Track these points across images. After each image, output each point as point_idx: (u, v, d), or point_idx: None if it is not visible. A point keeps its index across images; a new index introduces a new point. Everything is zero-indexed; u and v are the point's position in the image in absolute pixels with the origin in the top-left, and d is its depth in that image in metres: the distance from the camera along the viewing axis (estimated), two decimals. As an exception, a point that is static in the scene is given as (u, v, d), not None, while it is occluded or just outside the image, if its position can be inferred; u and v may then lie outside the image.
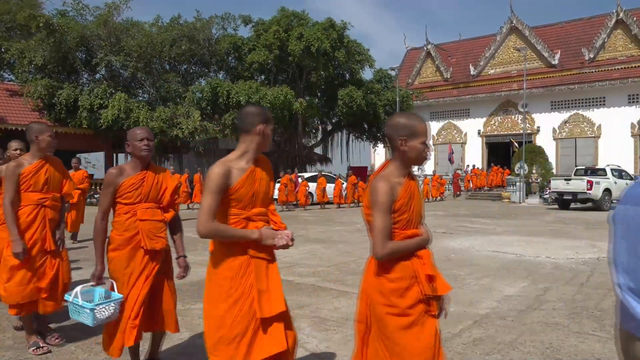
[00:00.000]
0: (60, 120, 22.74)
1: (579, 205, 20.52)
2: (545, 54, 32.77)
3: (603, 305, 5.08)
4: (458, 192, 28.48)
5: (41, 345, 3.69)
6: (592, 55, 31.37)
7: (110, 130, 22.51)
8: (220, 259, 2.38)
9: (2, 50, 23.49)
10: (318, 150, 32.46)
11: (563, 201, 20.25)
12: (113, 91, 22.67)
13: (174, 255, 3.26)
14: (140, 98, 25.23)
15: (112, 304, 2.87)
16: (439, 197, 26.73)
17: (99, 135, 23.12)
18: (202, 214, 2.25)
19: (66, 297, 2.97)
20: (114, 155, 27.30)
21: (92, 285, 3.02)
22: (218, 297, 2.34)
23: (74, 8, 24.45)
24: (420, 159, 2.18)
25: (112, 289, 2.98)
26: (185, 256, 3.23)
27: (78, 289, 2.91)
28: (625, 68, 29.97)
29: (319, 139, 31.98)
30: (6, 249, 3.65)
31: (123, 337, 2.96)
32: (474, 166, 31.96)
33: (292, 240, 2.45)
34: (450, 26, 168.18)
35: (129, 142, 3.06)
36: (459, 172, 31.31)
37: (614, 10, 30.66)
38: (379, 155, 38.91)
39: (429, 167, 34.53)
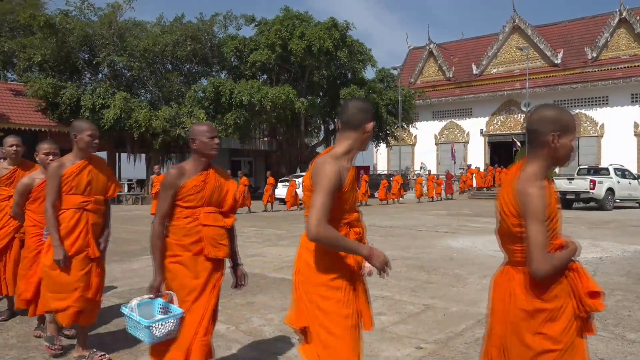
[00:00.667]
0: (63, 119, 22.79)
1: (581, 204, 20.48)
2: (548, 53, 32.71)
3: (606, 305, 5.07)
4: (451, 193, 27.67)
5: (56, 343, 3.61)
6: (595, 55, 31.31)
7: (113, 130, 22.55)
8: (326, 274, 2.10)
9: (5, 49, 23.53)
10: (320, 149, 32.46)
11: (566, 201, 20.20)
12: (115, 91, 22.71)
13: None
14: (143, 98, 25.27)
15: (172, 320, 2.59)
16: (437, 197, 26.41)
17: (101, 135, 23.13)
18: (316, 214, 1.97)
19: (123, 309, 2.66)
20: (117, 154, 27.34)
21: (150, 298, 2.70)
22: (336, 323, 2.07)
23: (77, 7, 24.50)
24: (568, 159, 1.98)
25: (172, 302, 2.68)
26: (241, 264, 3.04)
27: (134, 301, 2.63)
28: (628, 67, 29.89)
29: (321, 138, 31.98)
30: (44, 256, 3.44)
31: (186, 356, 2.61)
32: (469, 166, 31.94)
33: (387, 265, 2.16)
34: (452, 25, 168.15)
35: (196, 139, 2.76)
36: (461, 171, 31.27)
37: (617, 9, 30.59)
38: (381, 155, 38.90)
39: (432, 167, 34.50)
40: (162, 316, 2.62)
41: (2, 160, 5.00)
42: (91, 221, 3.43)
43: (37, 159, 3.92)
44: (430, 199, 25.96)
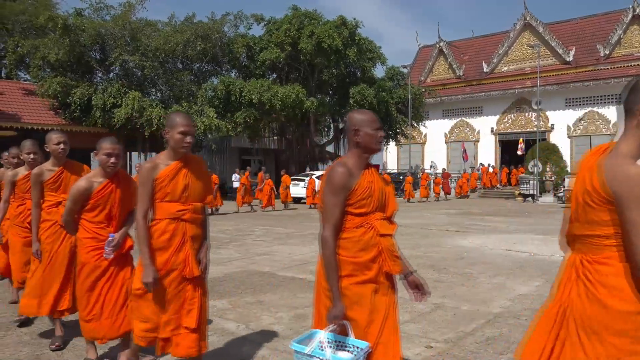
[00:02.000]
0: (75, 119, 22.99)
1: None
2: (560, 51, 32.40)
3: None
4: (448, 193, 26.55)
5: None
6: (607, 52, 30.95)
7: (124, 129, 22.70)
8: None
9: (18, 49, 23.78)
10: (330, 148, 32.44)
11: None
12: (127, 90, 22.86)
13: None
14: (154, 97, 25.42)
15: (359, 356, 2.08)
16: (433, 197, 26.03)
17: (112, 134, 23.35)
18: None
19: (295, 347, 2.14)
20: (128, 154, 27.54)
21: (331, 331, 2.16)
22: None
23: (90, 6, 24.71)
24: None
25: (346, 334, 2.17)
26: (414, 270, 2.52)
27: (322, 336, 2.13)
28: (641, 64, 29.54)
29: (330, 137, 31.96)
30: (131, 279, 3.08)
31: None
32: (482, 165, 31.71)
33: None
34: (462, 23, 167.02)
35: (359, 128, 2.32)
36: (469, 171, 31.08)
37: (630, 6, 30.20)
38: (390, 153, 38.79)
39: (440, 165, 34.36)
40: (350, 356, 2.09)
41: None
42: (189, 233, 2.87)
43: (96, 158, 3.43)
44: (436, 199, 25.78)
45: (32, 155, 4.33)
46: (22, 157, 4.51)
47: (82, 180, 3.30)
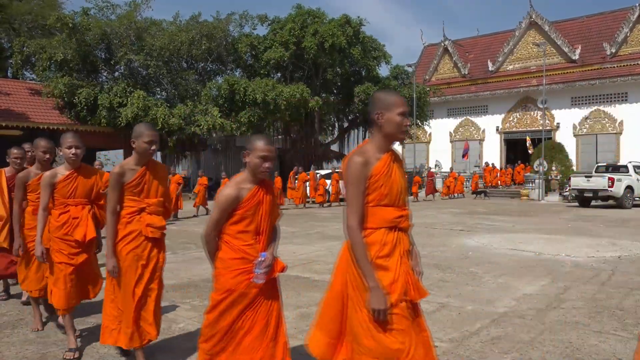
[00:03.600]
0: (81, 118, 23.08)
1: (599, 202, 20.18)
2: (566, 49, 32.23)
3: (625, 305, 4.99)
4: (431, 194, 25.44)
5: None
6: (613, 50, 30.76)
7: (129, 128, 22.78)
8: None
9: (25, 49, 23.89)
10: (334, 147, 32.45)
11: (583, 199, 19.92)
12: (132, 89, 22.94)
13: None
14: (159, 96, 25.50)
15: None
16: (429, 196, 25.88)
17: (118, 133, 23.43)
18: None
19: None
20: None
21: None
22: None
23: (96, 5, 24.80)
24: None
25: None
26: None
27: None
28: (648, 63, 29.34)
29: (335, 136, 31.95)
30: (357, 312, 2.22)
31: None
32: (487, 165, 31.57)
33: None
34: (467, 22, 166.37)
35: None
36: (477, 169, 30.97)
37: (637, 4, 29.99)
38: (395, 152, 38.69)
39: (446, 164, 34.23)
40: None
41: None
42: (405, 247, 2.30)
43: (246, 161, 2.75)
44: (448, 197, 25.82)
45: (47, 155, 4.23)
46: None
47: (230, 187, 2.64)
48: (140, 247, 3.25)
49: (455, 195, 26.97)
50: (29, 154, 5.02)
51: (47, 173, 3.72)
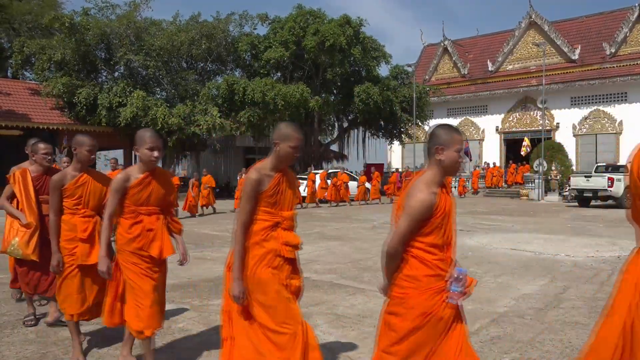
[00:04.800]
0: (80, 118, 23.08)
1: (599, 202, 20.19)
2: (565, 49, 32.25)
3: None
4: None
5: None
6: (613, 50, 30.78)
7: (129, 128, 22.78)
8: None
9: (24, 49, 23.89)
10: (334, 147, 32.44)
11: (583, 198, 19.94)
12: (132, 89, 22.94)
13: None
14: (159, 96, 25.50)
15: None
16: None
17: (117, 133, 23.43)
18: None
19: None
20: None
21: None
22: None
23: (96, 6, 24.80)
24: None
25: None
26: None
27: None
28: (647, 63, 29.35)
29: (335, 136, 31.96)
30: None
31: None
32: (488, 165, 31.53)
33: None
34: (467, 22, 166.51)
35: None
36: (477, 168, 30.95)
37: (637, 4, 30.01)
38: (394, 152, 38.74)
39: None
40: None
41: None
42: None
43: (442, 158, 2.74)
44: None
45: (49, 157, 4.14)
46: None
47: (424, 192, 2.24)
48: (278, 269, 2.69)
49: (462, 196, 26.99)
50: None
51: (120, 176, 3.13)
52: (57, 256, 3.51)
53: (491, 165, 31.17)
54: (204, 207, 16.30)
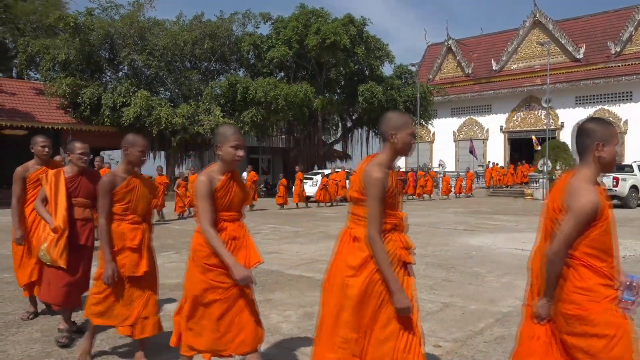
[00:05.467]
0: (84, 118, 23.15)
1: (604, 202, 20.09)
2: (570, 48, 32.14)
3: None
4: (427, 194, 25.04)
5: None
6: (618, 49, 30.66)
7: (133, 128, 22.83)
8: None
9: (29, 49, 23.97)
10: (338, 147, 32.42)
11: (588, 198, 19.83)
12: (135, 89, 22.99)
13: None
14: (162, 95, 25.55)
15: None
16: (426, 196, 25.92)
17: (121, 132, 23.48)
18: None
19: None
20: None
21: None
22: None
23: (100, 6, 24.87)
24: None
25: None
26: None
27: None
28: (653, 62, 29.23)
29: (338, 135, 31.94)
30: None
31: None
32: (493, 164, 31.46)
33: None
34: (471, 21, 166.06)
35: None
36: (481, 168, 30.88)
37: (642, 3, 29.92)
38: (398, 152, 38.65)
39: (450, 165, 34.19)
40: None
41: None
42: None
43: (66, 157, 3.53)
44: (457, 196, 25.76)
45: (85, 157, 3.90)
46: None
47: (593, 193, 2.16)
48: (400, 277, 2.42)
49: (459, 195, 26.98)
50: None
51: (203, 178, 2.71)
52: (111, 265, 3.19)
53: (490, 165, 31.11)
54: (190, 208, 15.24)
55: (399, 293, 2.27)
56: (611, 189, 18.70)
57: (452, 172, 31.01)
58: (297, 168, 20.60)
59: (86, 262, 3.92)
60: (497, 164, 31.70)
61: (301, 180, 19.50)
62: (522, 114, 33.58)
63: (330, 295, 2.46)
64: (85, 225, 3.89)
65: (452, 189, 26.83)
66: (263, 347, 3.80)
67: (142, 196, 3.37)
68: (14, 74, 30.53)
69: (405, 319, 2.32)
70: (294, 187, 19.69)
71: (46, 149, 4.41)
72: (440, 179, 27.02)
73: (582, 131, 2.30)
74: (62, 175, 3.83)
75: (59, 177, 3.83)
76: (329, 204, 20.30)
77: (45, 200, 3.87)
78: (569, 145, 28.88)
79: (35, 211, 4.10)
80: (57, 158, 6.70)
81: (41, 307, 4.59)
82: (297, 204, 19.30)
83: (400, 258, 2.38)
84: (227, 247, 2.69)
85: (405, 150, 2.47)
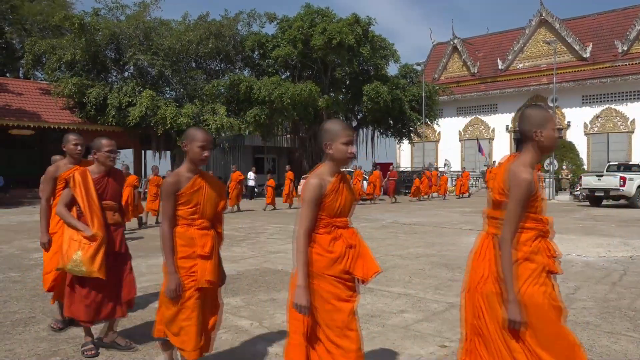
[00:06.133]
0: (90, 118, 23.26)
1: (611, 202, 19.98)
2: (576, 47, 31.96)
3: (637, 305, 4.94)
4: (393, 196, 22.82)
5: None
6: (625, 48, 30.44)
7: (138, 127, 22.92)
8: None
9: (36, 49, 24.10)
10: (343, 146, 32.41)
11: (594, 198, 19.74)
12: (141, 89, 23.07)
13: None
14: (168, 95, 25.63)
15: None
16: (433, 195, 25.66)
17: (127, 132, 23.58)
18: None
19: None
20: (143, 152, 27.80)
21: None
22: None
23: (106, 6, 24.98)
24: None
25: None
26: None
27: None
28: (660, 60, 29.02)
29: (343, 135, 31.91)
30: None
31: None
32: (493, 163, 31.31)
33: None
34: (477, 20, 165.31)
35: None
36: (486, 167, 30.76)
37: (649, 1, 29.70)
38: (404, 151, 38.62)
39: (455, 164, 34.09)
40: None
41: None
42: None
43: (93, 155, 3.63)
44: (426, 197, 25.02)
45: (113, 154, 3.68)
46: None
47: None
48: (549, 287, 2.31)
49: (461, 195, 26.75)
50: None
51: (315, 181, 2.46)
52: (174, 277, 2.81)
53: (495, 165, 30.93)
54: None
55: (514, 304, 2.16)
56: (618, 189, 18.58)
57: (458, 171, 30.91)
58: (287, 167, 20.06)
59: (124, 268, 3.65)
60: (495, 164, 31.53)
61: (291, 180, 18.71)
62: (528, 113, 33.44)
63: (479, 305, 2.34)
64: (117, 230, 3.65)
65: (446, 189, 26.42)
66: (268, 346, 3.81)
67: (209, 199, 2.99)
68: (20, 74, 30.72)
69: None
70: (283, 188, 19.23)
71: (79, 147, 4.14)
72: (435, 178, 26.71)
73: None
74: (89, 176, 3.54)
75: (87, 178, 3.52)
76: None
77: (70, 204, 3.57)
78: (576, 145, 28.75)
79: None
80: (57, 157, 6.49)
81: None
82: (290, 205, 18.73)
83: (548, 269, 2.30)
84: (345, 257, 2.46)
85: (551, 147, 2.37)
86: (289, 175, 18.97)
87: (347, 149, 2.47)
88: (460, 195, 26.11)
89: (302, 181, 20.38)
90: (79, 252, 3.36)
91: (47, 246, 4.04)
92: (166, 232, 2.85)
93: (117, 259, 3.60)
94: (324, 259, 2.43)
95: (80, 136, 4.22)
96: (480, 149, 32.56)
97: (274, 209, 18.00)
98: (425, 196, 24.27)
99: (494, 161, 32.26)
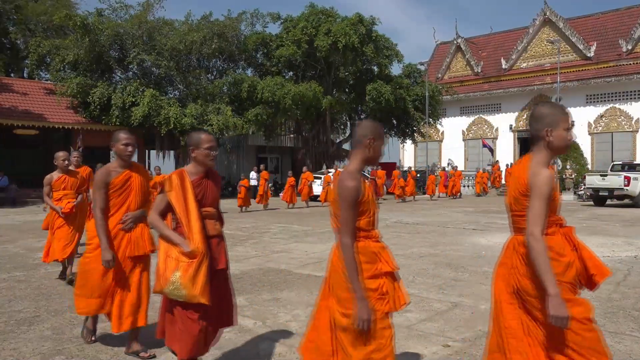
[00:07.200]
0: (94, 118, 23.33)
1: (615, 202, 19.91)
2: (580, 46, 31.84)
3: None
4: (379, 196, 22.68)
5: None
6: (629, 47, 30.32)
7: (142, 127, 22.97)
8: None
9: (39, 49, 24.19)
10: (346, 146, 32.39)
11: (598, 198, 19.67)
12: (144, 89, 23.12)
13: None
14: (171, 95, 25.68)
15: None
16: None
17: (130, 132, 23.61)
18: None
19: None
20: (146, 151, 27.85)
21: None
22: None
23: (110, 7, 25.04)
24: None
25: None
26: None
27: None
28: (665, 59, 28.90)
29: (347, 134, 31.92)
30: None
31: None
32: (496, 162, 31.28)
33: None
34: (480, 19, 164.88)
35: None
36: (490, 167, 30.72)
37: (654, 0, 29.57)
38: (407, 151, 38.57)
39: (459, 164, 34.02)
40: None
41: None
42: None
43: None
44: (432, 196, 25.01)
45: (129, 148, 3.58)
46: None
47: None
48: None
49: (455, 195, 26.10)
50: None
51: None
52: (365, 305, 2.24)
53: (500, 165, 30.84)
54: None
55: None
56: (622, 188, 18.51)
57: (462, 171, 30.84)
58: (262, 167, 19.60)
59: (226, 287, 3.09)
60: (498, 163, 31.50)
61: (266, 180, 18.30)
62: (532, 112, 33.37)
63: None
64: (219, 244, 3.02)
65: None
66: (271, 345, 3.81)
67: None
68: (25, 74, 30.82)
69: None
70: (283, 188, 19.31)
71: (129, 148, 3.61)
72: (425, 177, 26.57)
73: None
74: (187, 178, 2.94)
75: (185, 181, 2.92)
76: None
77: (165, 212, 2.99)
78: (580, 144, 28.65)
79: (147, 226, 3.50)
80: (59, 154, 5.66)
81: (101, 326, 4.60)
82: (288, 204, 18.59)
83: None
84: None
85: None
86: (290, 181, 18.80)
87: (568, 135, 2.30)
88: (452, 195, 25.39)
89: (326, 176, 20.16)
90: (177, 273, 2.78)
91: (111, 264, 3.44)
92: (349, 247, 2.37)
93: (219, 278, 2.99)
94: (561, 265, 2.27)
95: (131, 135, 3.71)
96: (486, 146, 32.52)
97: (247, 210, 17.11)
98: (411, 197, 23.67)
99: (497, 160, 32.20)
